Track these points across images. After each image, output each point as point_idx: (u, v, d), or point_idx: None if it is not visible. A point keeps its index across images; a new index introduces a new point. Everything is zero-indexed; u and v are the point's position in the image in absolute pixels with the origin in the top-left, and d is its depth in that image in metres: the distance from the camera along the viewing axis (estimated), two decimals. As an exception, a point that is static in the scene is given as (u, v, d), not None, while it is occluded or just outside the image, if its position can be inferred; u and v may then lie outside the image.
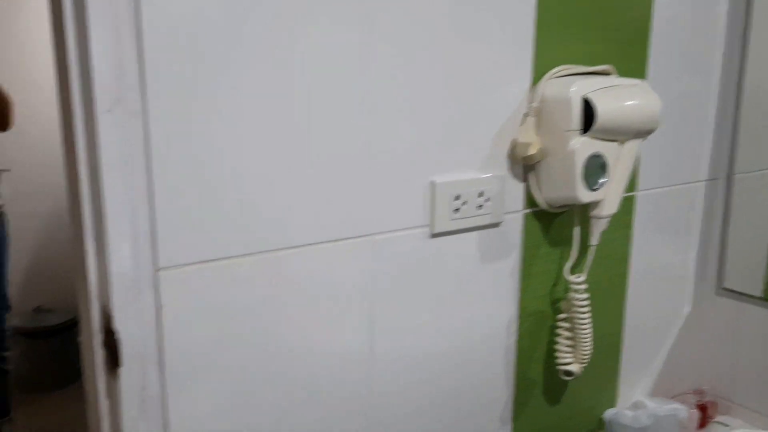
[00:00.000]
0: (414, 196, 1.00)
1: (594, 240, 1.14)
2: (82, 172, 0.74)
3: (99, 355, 0.78)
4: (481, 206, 1.06)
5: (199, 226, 0.80)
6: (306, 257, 0.90)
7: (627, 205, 1.28)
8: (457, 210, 1.03)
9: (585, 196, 1.06)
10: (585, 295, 1.15)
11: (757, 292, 1.41)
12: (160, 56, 0.74)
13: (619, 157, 1.08)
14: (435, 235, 1.03)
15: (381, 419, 1.04)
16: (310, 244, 0.90)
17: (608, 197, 1.09)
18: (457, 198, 1.03)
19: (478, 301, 1.12)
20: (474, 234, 1.08)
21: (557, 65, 1.09)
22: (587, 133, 1.03)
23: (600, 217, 1.11)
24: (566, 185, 1.06)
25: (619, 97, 1.07)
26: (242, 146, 0.82)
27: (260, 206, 0.85)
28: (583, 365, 1.18)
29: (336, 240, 0.93)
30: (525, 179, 1.12)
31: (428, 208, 1.01)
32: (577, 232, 1.17)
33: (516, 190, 1.11)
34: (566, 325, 1.18)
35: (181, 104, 0.77)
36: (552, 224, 1.18)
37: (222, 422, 0.87)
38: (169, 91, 0.75)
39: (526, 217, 1.14)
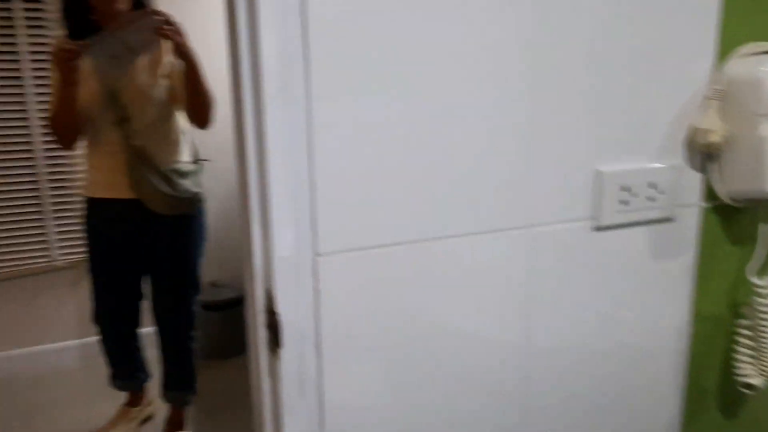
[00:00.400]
0: (577, 186, 0.94)
1: (786, 239, 1.01)
2: (250, 159, 0.77)
3: (262, 335, 0.81)
4: (652, 198, 0.98)
5: (357, 214, 0.81)
6: (464, 247, 0.89)
7: (828, 200, 1.12)
8: (624, 202, 0.96)
9: (777, 189, 0.95)
10: (773, 301, 1.03)
11: None
12: (324, 46, 0.75)
13: (822, 146, 0.95)
14: (599, 229, 0.96)
15: (535, 410, 1.00)
16: (468, 234, 0.88)
17: (806, 191, 0.96)
18: (626, 189, 0.95)
19: (645, 300, 1.04)
20: (643, 228, 0.99)
21: (746, 42, 0.98)
22: (782, 118, 0.91)
23: (795, 214, 0.98)
24: (754, 176, 0.95)
25: (824, 77, 0.93)
26: (401, 135, 0.81)
27: (418, 195, 0.84)
28: (768, 378, 1.06)
29: (494, 231, 0.90)
30: (704, 170, 1.01)
31: (593, 199, 0.95)
32: (765, 229, 1.04)
33: (693, 182, 1.01)
34: (748, 332, 1.06)
35: (343, 92, 0.78)
36: (735, 220, 1.06)
37: (376, 403, 0.89)
38: (332, 79, 0.77)
39: (705, 211, 1.03)
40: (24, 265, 2.71)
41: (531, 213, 0.92)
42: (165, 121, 1.98)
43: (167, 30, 1.74)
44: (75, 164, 2.68)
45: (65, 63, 1.74)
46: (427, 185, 0.84)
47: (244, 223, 0.81)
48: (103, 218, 2.05)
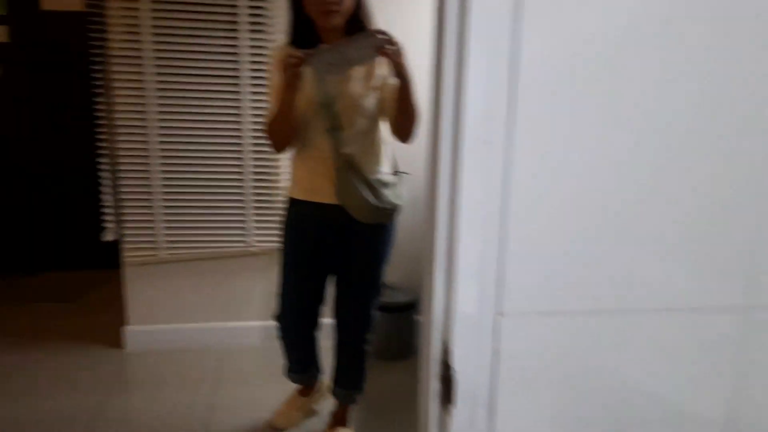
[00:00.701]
0: (813, 268, 0.80)
1: None
2: (441, 209, 0.75)
3: (434, 386, 0.79)
4: None
5: (547, 276, 0.76)
6: (668, 321, 0.80)
7: None
8: None
9: None
10: None
11: None
12: (530, 100, 0.71)
13: None
14: (836, 320, 0.82)
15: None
16: (672, 309, 0.79)
17: None
18: None
19: None
20: None
21: None
22: None
23: None
24: None
25: None
26: (604, 200, 0.75)
27: (618, 263, 0.77)
28: None
29: (704, 308, 0.80)
30: None
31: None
32: None
33: None
34: None
35: (546, 150, 0.73)
36: None
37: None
38: (534, 136, 0.72)
39: None
40: (223, 247, 2.96)
41: (750, 292, 0.80)
42: (372, 131, 2.03)
43: (389, 50, 1.77)
44: (277, 162, 2.86)
45: (292, 69, 1.82)
46: (628, 254, 0.76)
47: (429, 270, 0.80)
48: (303, 220, 2.12)
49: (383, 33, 1.77)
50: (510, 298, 0.76)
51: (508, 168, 0.72)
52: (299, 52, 1.81)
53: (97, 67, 2.73)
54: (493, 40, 0.70)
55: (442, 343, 0.78)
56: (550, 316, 0.77)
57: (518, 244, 0.74)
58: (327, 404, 2.47)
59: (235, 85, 2.78)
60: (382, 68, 1.96)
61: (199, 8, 2.69)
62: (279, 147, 2.05)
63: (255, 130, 2.82)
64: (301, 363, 2.36)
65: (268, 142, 2.04)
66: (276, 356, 2.45)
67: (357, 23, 1.95)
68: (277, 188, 2.89)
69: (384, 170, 2.09)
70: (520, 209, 0.74)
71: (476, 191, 0.73)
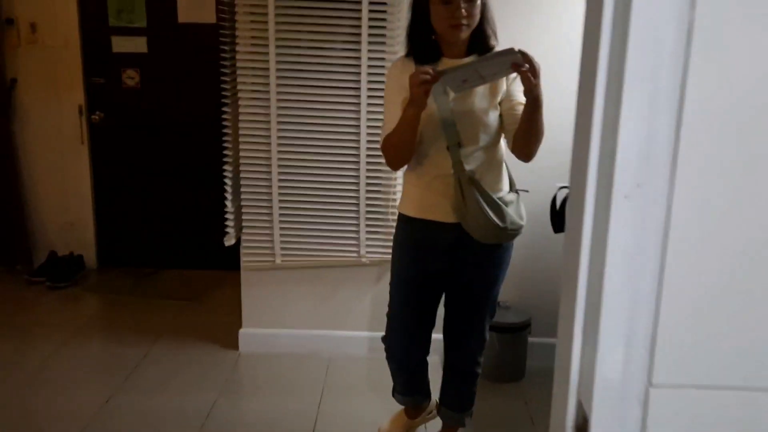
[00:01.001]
0: None
1: None
2: (582, 262, 0.67)
3: (567, 456, 0.71)
4: None
5: (709, 345, 0.65)
6: None
7: None
8: None
9: None
10: None
11: None
12: (698, 140, 0.61)
13: None
14: None
15: None
16: None
17: None
18: None
19: None
20: None
21: None
22: None
23: None
24: None
25: None
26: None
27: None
28: None
29: None
30: None
31: None
32: None
33: None
34: None
35: (715, 196, 0.63)
36: None
37: None
38: (702, 180, 0.62)
39: None
40: (336, 256, 2.98)
41: None
42: (493, 148, 1.95)
43: (525, 70, 1.67)
44: (392, 175, 2.84)
45: (423, 86, 1.72)
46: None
47: (566, 324, 0.72)
48: (416, 238, 2.04)
49: (522, 52, 1.67)
50: (663, 366, 0.66)
51: (668, 215, 0.63)
52: (431, 69, 1.73)
53: (225, 78, 2.83)
54: (654, 76, 0.61)
55: (577, 409, 0.70)
56: (711, 391, 0.66)
57: (675, 306, 0.64)
58: (434, 424, 2.41)
59: (356, 97, 2.78)
60: (504, 84, 1.89)
61: (322, 21, 2.72)
62: (396, 164, 1.99)
63: (370, 142, 2.81)
64: (408, 387, 2.30)
65: (384, 157, 2.00)
66: (381, 369, 2.42)
67: (481, 37, 1.88)
68: (392, 201, 2.87)
69: (504, 188, 2.00)
70: (677, 266, 0.64)
71: (626, 243, 0.64)
